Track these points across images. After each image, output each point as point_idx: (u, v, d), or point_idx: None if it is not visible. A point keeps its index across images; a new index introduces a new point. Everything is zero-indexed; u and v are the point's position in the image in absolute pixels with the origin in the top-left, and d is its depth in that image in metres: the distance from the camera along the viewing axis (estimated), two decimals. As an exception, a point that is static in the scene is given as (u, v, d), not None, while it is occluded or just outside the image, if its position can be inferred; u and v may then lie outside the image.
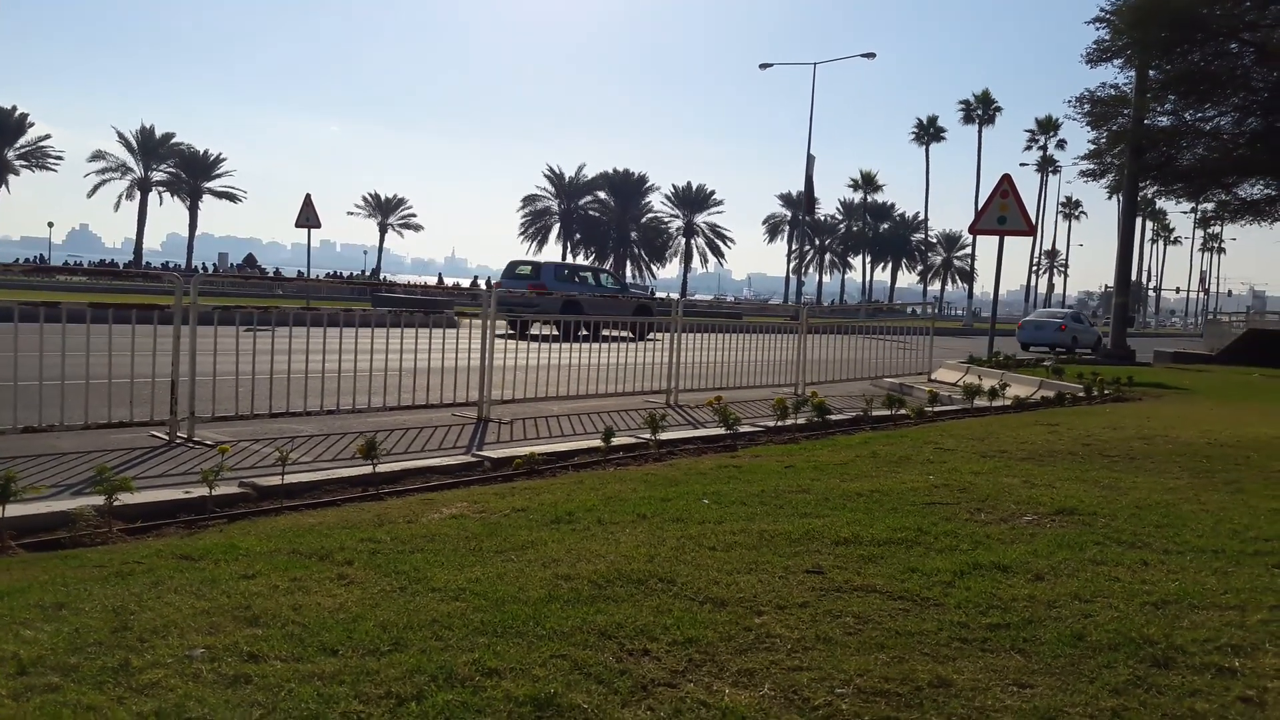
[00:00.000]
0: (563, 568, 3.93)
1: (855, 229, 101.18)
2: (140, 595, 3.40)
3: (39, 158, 72.14)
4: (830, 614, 3.50)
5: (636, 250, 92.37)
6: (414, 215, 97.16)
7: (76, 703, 2.48)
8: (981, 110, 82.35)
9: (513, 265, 25.56)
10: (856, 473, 6.45)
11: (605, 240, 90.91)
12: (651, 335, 13.98)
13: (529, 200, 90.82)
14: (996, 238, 17.31)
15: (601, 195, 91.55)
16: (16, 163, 70.89)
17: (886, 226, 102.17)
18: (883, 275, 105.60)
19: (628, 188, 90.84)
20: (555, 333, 13.35)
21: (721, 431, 8.26)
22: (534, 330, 15.07)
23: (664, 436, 7.72)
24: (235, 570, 3.77)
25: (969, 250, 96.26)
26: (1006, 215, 16.73)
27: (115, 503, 4.73)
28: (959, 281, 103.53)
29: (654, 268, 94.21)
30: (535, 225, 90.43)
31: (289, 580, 3.63)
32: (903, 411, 9.99)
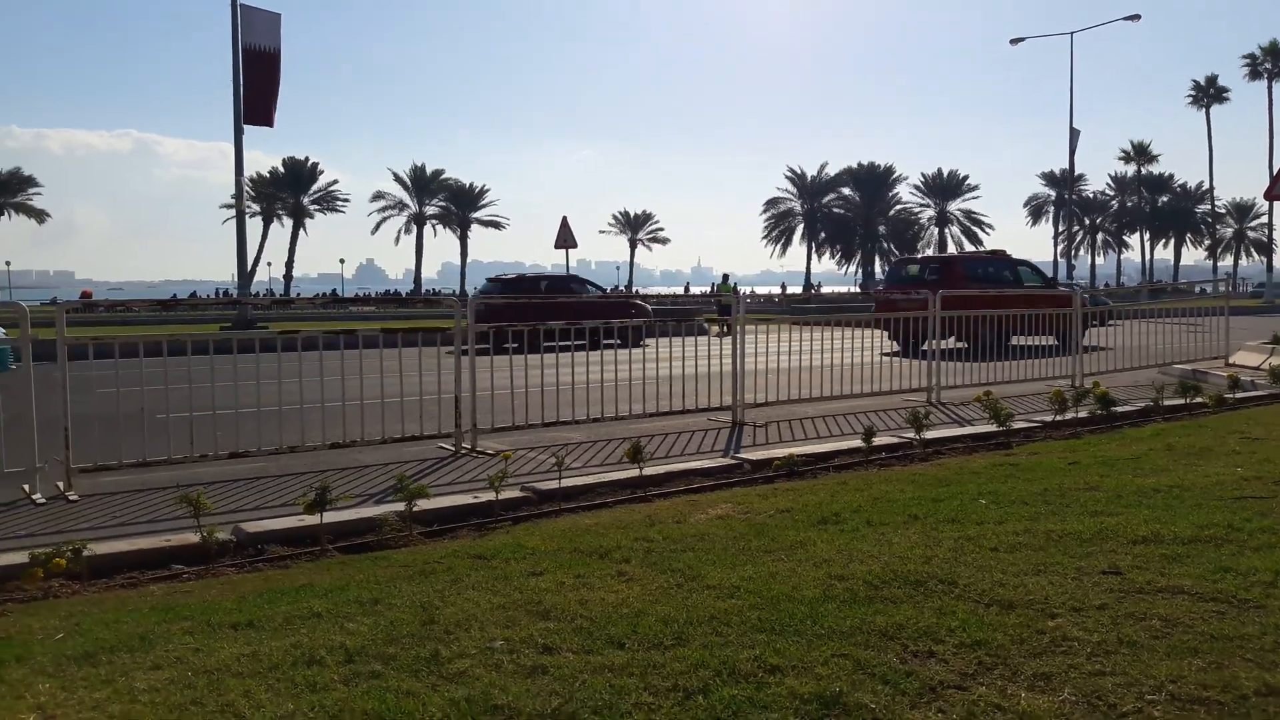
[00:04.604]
0: (835, 568, 3.88)
1: (1129, 204, 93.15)
2: (443, 592, 3.69)
3: (329, 201, 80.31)
4: (1133, 617, 3.23)
5: (886, 244, 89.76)
6: (661, 229, 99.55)
7: (396, 689, 2.73)
8: (1271, 64, 73.37)
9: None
10: (1151, 467, 5.93)
11: (852, 237, 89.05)
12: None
13: (771, 204, 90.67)
14: (1301, 202, 15.38)
15: (845, 191, 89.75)
16: (311, 207, 79.23)
17: (1165, 199, 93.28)
18: (1164, 253, 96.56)
19: (873, 181, 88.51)
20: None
21: (993, 428, 7.85)
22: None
23: (929, 435, 7.44)
24: (524, 568, 4.01)
25: (1264, 219, 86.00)
26: (1312, 174, 14.80)
27: (414, 509, 5.17)
28: (1254, 254, 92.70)
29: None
30: (779, 228, 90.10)
31: (573, 577, 3.82)
32: (1199, 399, 9.08)
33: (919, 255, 28.15)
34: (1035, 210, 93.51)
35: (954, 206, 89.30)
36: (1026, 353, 11.97)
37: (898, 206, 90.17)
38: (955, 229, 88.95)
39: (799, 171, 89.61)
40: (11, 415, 6.21)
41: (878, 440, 7.16)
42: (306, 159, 79.64)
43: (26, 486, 6.19)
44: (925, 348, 11.00)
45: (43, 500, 6.04)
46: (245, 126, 23.66)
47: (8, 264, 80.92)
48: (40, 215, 75.51)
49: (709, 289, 62.73)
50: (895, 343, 12.11)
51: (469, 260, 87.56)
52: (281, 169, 77.86)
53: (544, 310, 14.90)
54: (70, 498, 6.12)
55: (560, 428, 8.60)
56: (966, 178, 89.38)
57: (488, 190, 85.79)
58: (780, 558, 4.06)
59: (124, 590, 4.17)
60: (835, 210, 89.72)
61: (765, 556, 4.09)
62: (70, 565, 4.24)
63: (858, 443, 7.12)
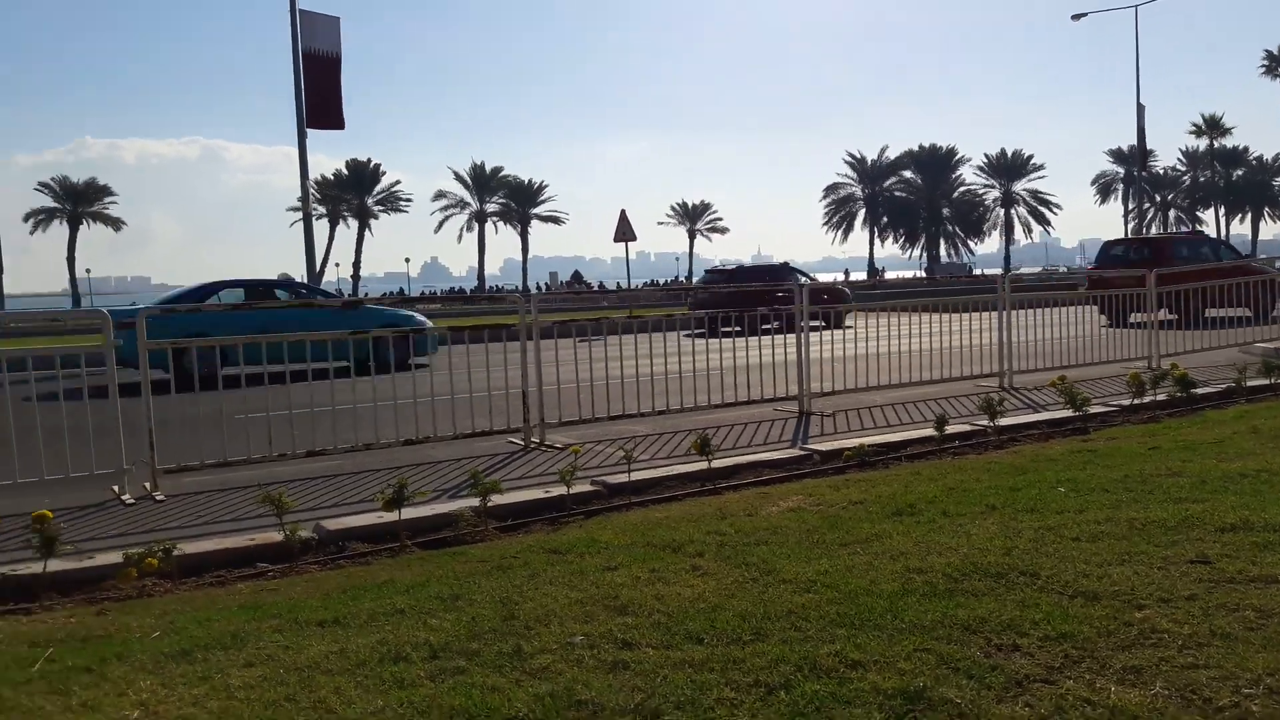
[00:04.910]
0: (912, 560, 3.84)
1: (1201, 179, 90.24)
2: (521, 587, 3.74)
3: (392, 201, 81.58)
4: (1224, 607, 3.15)
5: (950, 227, 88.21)
6: (719, 219, 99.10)
7: (481, 684, 2.77)
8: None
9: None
10: (1236, 451, 5.76)
11: (915, 220, 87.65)
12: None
13: (831, 189, 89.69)
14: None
15: (907, 174, 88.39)
16: (375, 208, 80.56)
17: (1240, 173, 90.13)
18: (1240, 228, 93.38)
19: (935, 163, 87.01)
20: None
21: (1068, 414, 7.69)
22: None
23: (1003, 422, 7.32)
24: (599, 562, 4.04)
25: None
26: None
27: (489, 504, 5.24)
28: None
29: (971, 244, 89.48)
30: (839, 214, 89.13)
31: (648, 571, 3.84)
32: (1285, 380, 8.77)
33: (1127, 238, 29.63)
34: (1104, 188, 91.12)
35: (1019, 187, 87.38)
36: (1100, 335, 11.69)
37: (961, 188, 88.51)
38: (1021, 209, 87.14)
39: (858, 156, 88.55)
40: (98, 419, 6.43)
41: (950, 428, 7.05)
42: (369, 160, 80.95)
43: (116, 487, 6.41)
44: (1135, 320, 12.08)
45: (131, 500, 6.24)
46: (308, 130, 24.08)
47: (88, 271, 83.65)
48: (116, 223, 78.06)
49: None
50: (1105, 317, 12.53)
51: (529, 256, 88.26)
52: (345, 171, 79.26)
53: (753, 297, 15.57)
54: (157, 498, 6.32)
55: (626, 420, 8.63)
56: (1031, 157, 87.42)
57: (546, 186, 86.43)
58: (856, 551, 4.03)
59: (213, 588, 4.30)
60: (897, 194, 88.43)
61: (840, 550, 4.06)
62: (162, 565, 4.38)
63: (930, 431, 7.02)
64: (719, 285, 22.21)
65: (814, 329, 10.26)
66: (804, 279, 25.26)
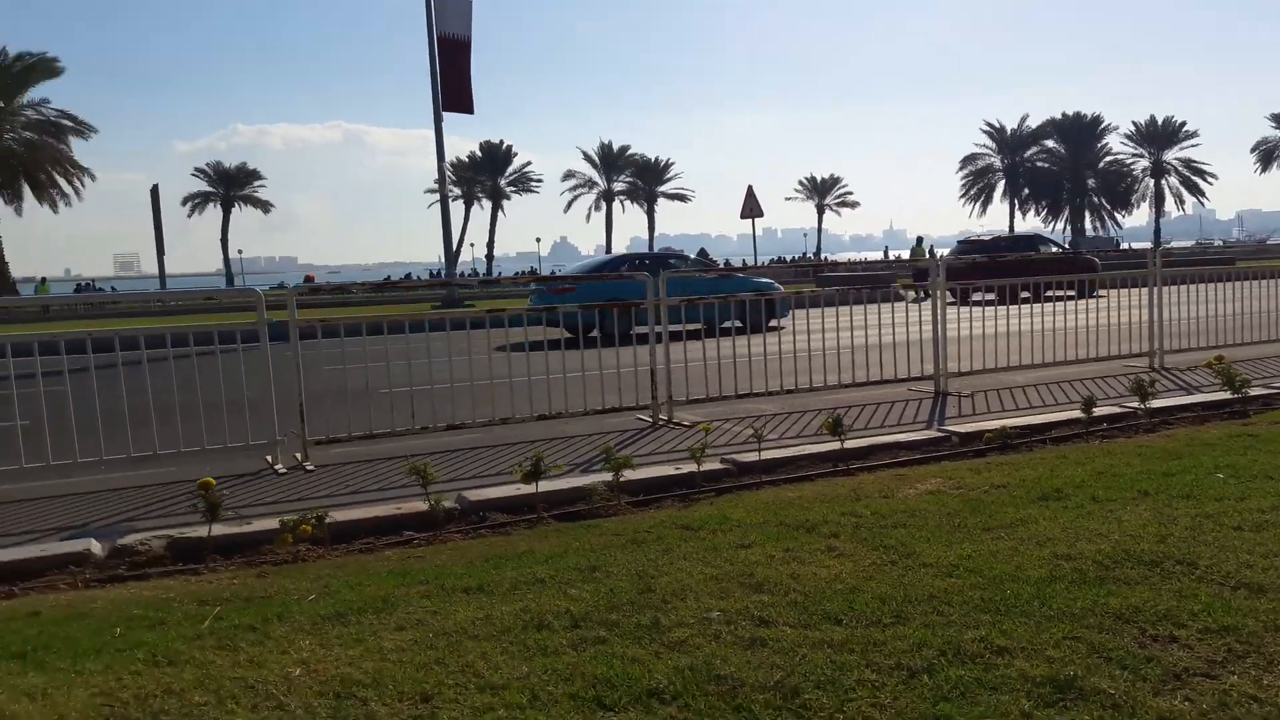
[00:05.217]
0: (1060, 547, 3.70)
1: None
2: (656, 561, 3.79)
3: (524, 182, 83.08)
4: None
5: (1095, 199, 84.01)
6: (850, 193, 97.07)
7: (622, 655, 2.83)
8: None
9: None
10: None
11: (1058, 193, 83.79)
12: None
13: (968, 160, 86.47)
14: None
15: (1049, 144, 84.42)
16: (508, 189, 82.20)
17: None
18: None
19: (1079, 132, 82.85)
20: None
21: (1226, 396, 7.25)
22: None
23: (1155, 404, 6.96)
24: (732, 540, 4.05)
25: None
26: None
27: (621, 479, 5.32)
28: None
29: (1118, 216, 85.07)
30: (976, 185, 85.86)
31: (782, 550, 3.83)
32: None
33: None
34: (1265, 155, 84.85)
35: (1170, 156, 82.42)
36: (1262, 313, 10.97)
37: (1107, 158, 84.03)
38: (1173, 179, 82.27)
39: (997, 125, 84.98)
40: (253, 393, 6.81)
41: (1098, 410, 6.74)
42: (501, 142, 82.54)
43: (269, 457, 6.78)
44: None
45: (283, 470, 6.59)
46: (444, 114, 24.74)
47: (240, 252, 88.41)
48: (265, 206, 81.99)
49: (904, 254, 60.85)
50: None
51: (655, 233, 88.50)
52: (479, 153, 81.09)
53: (1008, 268, 15.73)
54: (307, 468, 6.66)
55: (753, 399, 8.59)
56: (1184, 124, 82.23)
57: (672, 163, 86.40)
58: (1000, 536, 3.92)
59: (362, 555, 4.50)
60: (1039, 164, 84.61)
61: (983, 534, 3.95)
62: (315, 531, 4.62)
63: (1076, 413, 6.74)
64: (972, 254, 22.32)
65: (1058, 299, 10.42)
66: (1054, 249, 26.13)
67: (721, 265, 29.07)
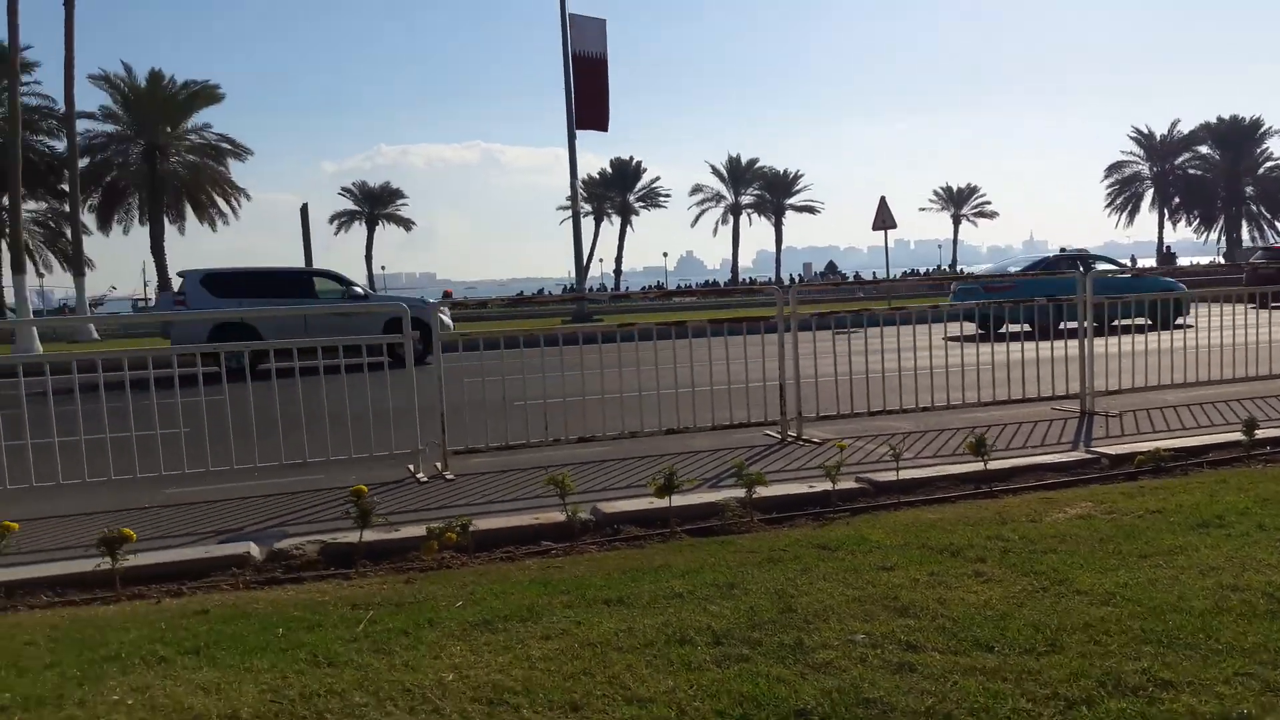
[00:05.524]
0: (1225, 576, 3.51)
1: None
2: (795, 580, 3.76)
3: (652, 198, 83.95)
4: None
5: (1254, 207, 79.03)
6: (988, 202, 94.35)
7: (766, 674, 2.82)
8: None
9: None
10: None
11: (1212, 201, 79.16)
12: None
13: (1114, 168, 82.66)
14: None
15: (1202, 150, 79.87)
16: (636, 204, 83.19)
17: None
18: None
19: (1236, 136, 78.07)
20: None
21: None
22: None
23: (1327, 426, 6.51)
24: (873, 561, 3.98)
25: None
26: None
27: (754, 495, 5.30)
28: None
29: (1278, 225, 79.78)
30: (1123, 194, 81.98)
31: (926, 574, 3.75)
32: None
33: None
34: None
35: (1340, 159, 76.88)
36: None
37: (1268, 164, 78.98)
38: (1343, 185, 76.64)
39: (1146, 131, 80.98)
40: (398, 404, 7.09)
41: (1261, 432, 6.35)
42: (631, 158, 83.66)
43: (411, 466, 7.03)
44: None
45: (424, 479, 6.83)
46: (577, 131, 25.24)
47: (383, 268, 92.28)
48: (407, 224, 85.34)
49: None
50: None
51: (783, 246, 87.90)
52: (609, 169, 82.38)
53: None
54: (447, 477, 6.88)
55: (886, 416, 8.42)
56: (1355, 125, 76.62)
57: (801, 175, 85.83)
58: (1158, 563, 3.74)
59: (503, 563, 4.62)
60: (1190, 172, 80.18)
61: (1140, 562, 3.78)
62: (459, 539, 4.77)
63: (1236, 435, 6.37)
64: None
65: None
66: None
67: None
